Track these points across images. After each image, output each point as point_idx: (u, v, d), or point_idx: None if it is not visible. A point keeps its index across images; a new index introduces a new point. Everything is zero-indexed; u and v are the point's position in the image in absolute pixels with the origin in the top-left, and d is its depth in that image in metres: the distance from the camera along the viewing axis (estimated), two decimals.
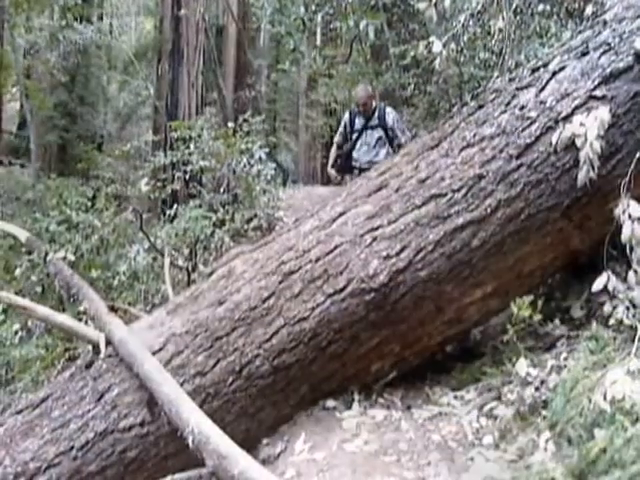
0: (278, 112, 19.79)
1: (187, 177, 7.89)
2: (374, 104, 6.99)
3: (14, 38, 14.88)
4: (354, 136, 6.94)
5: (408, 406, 3.69)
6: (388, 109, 6.91)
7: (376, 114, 6.84)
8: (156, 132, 13.80)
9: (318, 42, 14.99)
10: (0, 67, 16.15)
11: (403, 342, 3.68)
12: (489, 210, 3.50)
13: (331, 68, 13.83)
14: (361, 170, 6.46)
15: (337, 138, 7.19)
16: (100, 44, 19.06)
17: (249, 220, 7.25)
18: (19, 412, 4.07)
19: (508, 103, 3.67)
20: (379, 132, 6.82)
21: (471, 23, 6.73)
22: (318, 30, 15.25)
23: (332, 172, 7.19)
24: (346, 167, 7.02)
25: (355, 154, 6.93)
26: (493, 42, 6.93)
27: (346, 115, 7.11)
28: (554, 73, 3.60)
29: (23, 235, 6.17)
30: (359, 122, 6.93)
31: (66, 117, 18.80)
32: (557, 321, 3.75)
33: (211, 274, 4.13)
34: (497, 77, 4.36)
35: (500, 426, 3.24)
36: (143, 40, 22.02)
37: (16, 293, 4.92)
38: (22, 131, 21.51)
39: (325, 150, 17.08)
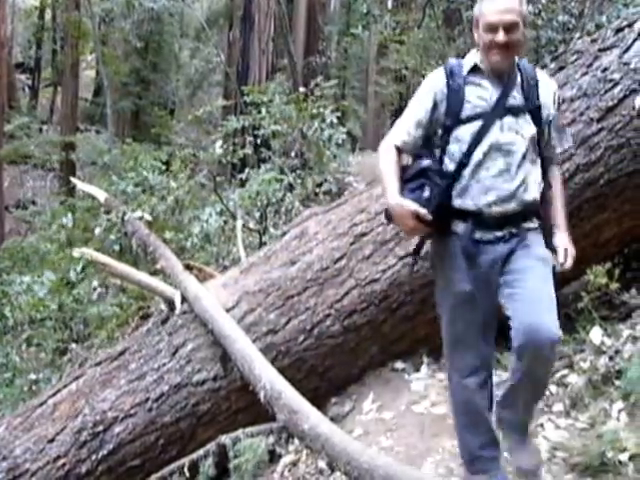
0: (348, 79, 19.62)
1: (257, 142, 7.94)
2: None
3: (91, 6, 15.17)
4: (464, 133, 2.63)
5: None
6: (541, 75, 2.77)
7: (517, 78, 2.65)
8: (227, 98, 13.90)
9: (390, 6, 14.79)
10: (78, 35, 16.53)
11: None
12: (567, 175, 3.41)
13: (402, 34, 13.58)
14: (479, 222, 2.61)
15: (405, 133, 2.72)
16: (173, 11, 19.20)
17: (319, 185, 7.26)
18: (98, 364, 4.27)
19: (590, 65, 3.57)
20: (528, 123, 2.64)
21: None
22: None
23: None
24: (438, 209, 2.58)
25: (466, 182, 2.62)
26: (573, 4, 6.68)
27: (435, 78, 2.71)
28: None
29: (102, 195, 6.36)
30: (484, 93, 2.63)
31: (140, 84, 19.13)
32: (634, 291, 3.66)
33: (284, 235, 4.19)
34: (578, 39, 4.21)
35: (571, 394, 3.21)
36: (215, 7, 22.08)
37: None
38: (97, 98, 22.06)
39: (395, 117, 16.89)
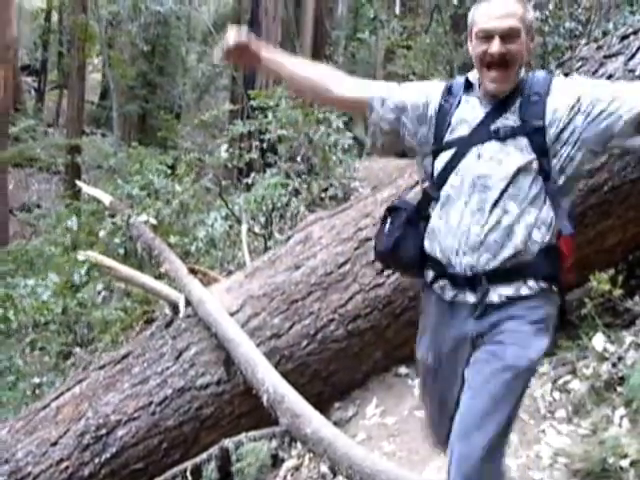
0: None
1: (263, 146, 7.96)
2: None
3: (98, 9, 15.25)
4: (440, 163, 2.15)
5: None
6: (558, 82, 2.10)
7: (517, 99, 2.07)
8: (233, 102, 13.96)
9: (397, 11, 14.83)
10: (85, 37, 16.60)
11: None
12: None
13: (409, 39, 13.62)
14: (449, 275, 2.11)
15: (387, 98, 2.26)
16: (180, 15, 19.26)
17: (325, 190, 7.27)
18: (102, 367, 4.27)
19: (595, 72, 3.57)
20: (519, 150, 2.04)
21: None
22: None
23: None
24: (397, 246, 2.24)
25: (435, 222, 2.15)
26: (580, 10, 6.70)
27: (435, 91, 2.22)
28: None
29: (107, 199, 6.38)
30: (468, 114, 2.13)
31: (146, 87, 19.17)
32: (637, 298, 3.65)
33: (289, 239, 4.20)
34: (584, 45, 4.22)
35: (574, 400, 3.21)
36: (222, 11, 22.18)
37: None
38: (103, 101, 22.13)
39: None
